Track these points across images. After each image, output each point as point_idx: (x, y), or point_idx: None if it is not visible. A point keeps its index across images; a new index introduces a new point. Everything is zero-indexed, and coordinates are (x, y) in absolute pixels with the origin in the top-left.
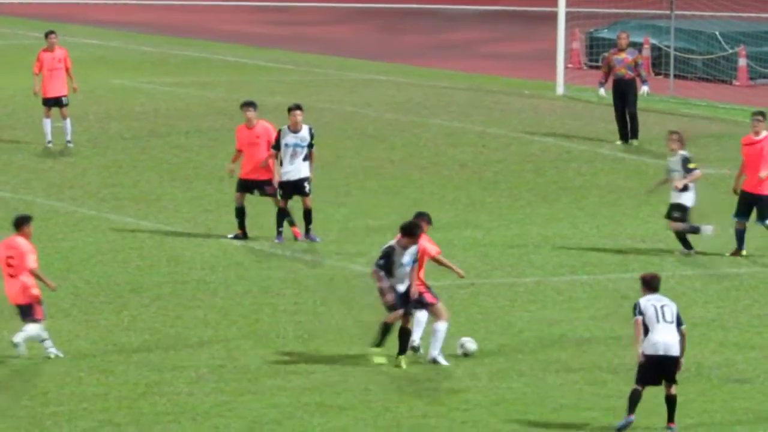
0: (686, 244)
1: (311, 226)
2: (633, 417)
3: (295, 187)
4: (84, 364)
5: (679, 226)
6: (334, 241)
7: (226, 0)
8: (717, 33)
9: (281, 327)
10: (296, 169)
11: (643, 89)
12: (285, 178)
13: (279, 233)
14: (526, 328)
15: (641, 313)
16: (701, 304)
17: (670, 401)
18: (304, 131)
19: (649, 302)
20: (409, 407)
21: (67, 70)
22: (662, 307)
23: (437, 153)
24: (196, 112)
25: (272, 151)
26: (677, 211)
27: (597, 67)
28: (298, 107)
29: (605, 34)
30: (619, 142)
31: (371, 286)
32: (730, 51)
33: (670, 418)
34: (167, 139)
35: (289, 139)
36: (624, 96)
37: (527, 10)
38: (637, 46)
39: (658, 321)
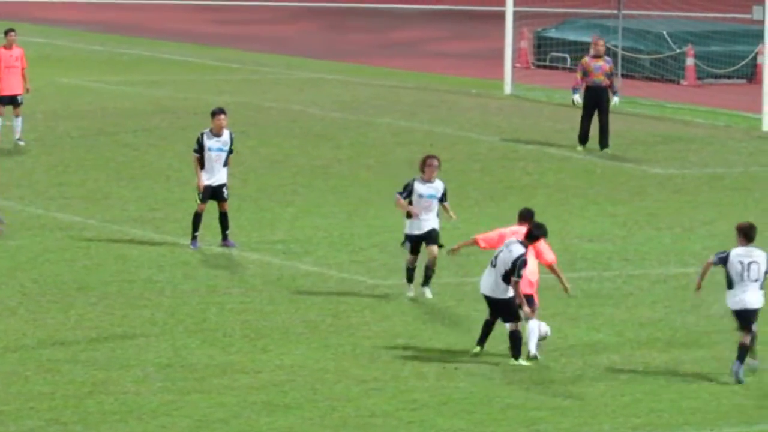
0: None
1: (228, 232)
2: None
3: (214, 193)
4: (31, 362)
5: None
6: (281, 241)
7: None
8: (665, 33)
9: (228, 326)
10: (217, 174)
11: (615, 100)
12: (207, 182)
13: (195, 238)
14: (474, 327)
15: (724, 262)
16: (648, 304)
17: (742, 348)
18: (226, 136)
19: (737, 257)
20: (356, 407)
21: (22, 69)
22: (750, 264)
23: (384, 152)
24: (144, 111)
25: (194, 155)
26: None
27: (545, 67)
28: (222, 111)
29: (553, 33)
30: (581, 148)
31: (318, 285)
32: (678, 50)
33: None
34: (115, 138)
35: (212, 143)
36: (598, 103)
37: (475, 9)
38: (584, 45)
39: (742, 279)
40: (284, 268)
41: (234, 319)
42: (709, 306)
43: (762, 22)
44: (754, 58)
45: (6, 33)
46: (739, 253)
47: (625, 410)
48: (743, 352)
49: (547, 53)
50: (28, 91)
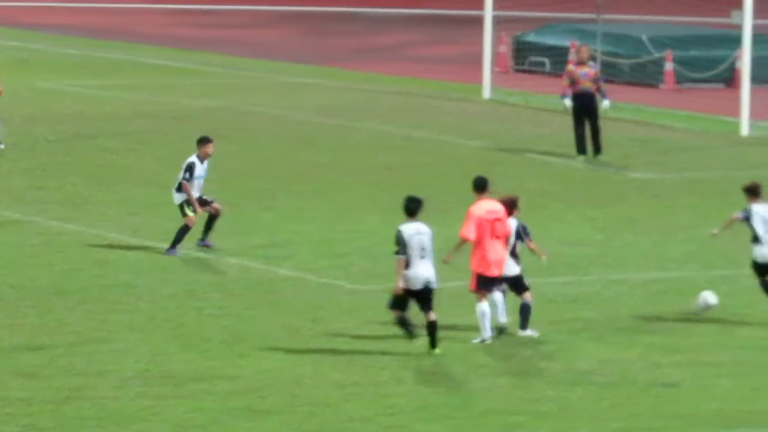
0: None
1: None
2: None
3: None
4: (8, 368)
5: None
6: (261, 245)
7: (151, 2)
8: (644, 37)
9: (207, 331)
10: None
11: (605, 104)
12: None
13: (175, 247)
14: (451, 333)
15: (747, 216)
16: (628, 309)
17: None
18: (206, 163)
19: (758, 214)
20: (335, 412)
21: None
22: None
23: (365, 157)
24: (122, 115)
25: (185, 183)
26: None
27: (524, 71)
28: (211, 140)
29: (532, 38)
30: (581, 158)
31: (298, 290)
32: (657, 55)
33: None
34: (93, 142)
35: (199, 171)
36: (588, 110)
37: (454, 14)
38: (563, 50)
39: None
40: (264, 272)
41: (213, 324)
42: (689, 309)
43: (740, 26)
44: (733, 63)
45: None
46: (758, 211)
47: (604, 415)
48: None
49: (526, 58)
50: (0, 93)
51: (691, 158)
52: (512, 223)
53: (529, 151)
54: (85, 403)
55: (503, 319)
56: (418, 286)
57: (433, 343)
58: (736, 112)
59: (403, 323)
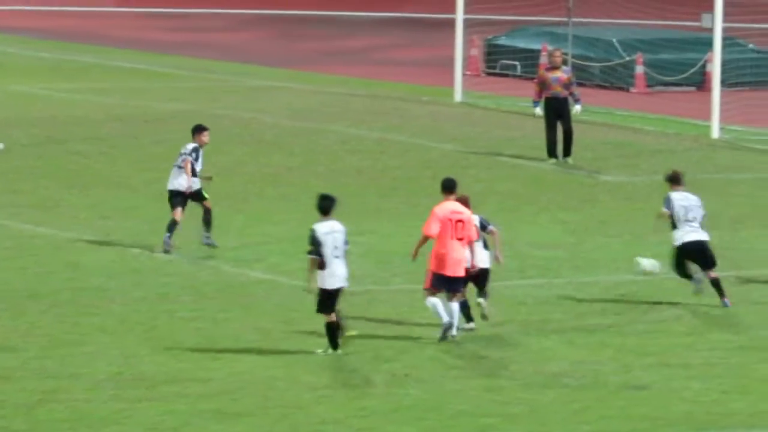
0: None
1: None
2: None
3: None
4: None
5: None
6: (232, 248)
7: (121, 6)
8: (614, 40)
9: (179, 334)
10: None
11: (576, 108)
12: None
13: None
14: (424, 335)
15: (669, 205)
16: (599, 311)
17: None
18: (201, 153)
19: (676, 201)
20: (307, 414)
21: None
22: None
23: (335, 160)
24: (94, 119)
25: (192, 160)
26: None
27: (495, 74)
28: (207, 128)
29: (503, 41)
30: (551, 161)
31: (270, 293)
32: (628, 58)
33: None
34: (65, 146)
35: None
36: (560, 113)
37: (425, 17)
38: (535, 53)
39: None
40: (235, 275)
41: (185, 327)
42: (659, 312)
43: (711, 29)
44: (704, 66)
45: None
46: (676, 198)
47: (575, 417)
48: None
49: (497, 61)
50: None
51: (661, 161)
52: (474, 217)
53: (501, 154)
54: (58, 405)
55: (454, 319)
56: (336, 285)
57: (334, 345)
58: (707, 115)
59: (335, 329)
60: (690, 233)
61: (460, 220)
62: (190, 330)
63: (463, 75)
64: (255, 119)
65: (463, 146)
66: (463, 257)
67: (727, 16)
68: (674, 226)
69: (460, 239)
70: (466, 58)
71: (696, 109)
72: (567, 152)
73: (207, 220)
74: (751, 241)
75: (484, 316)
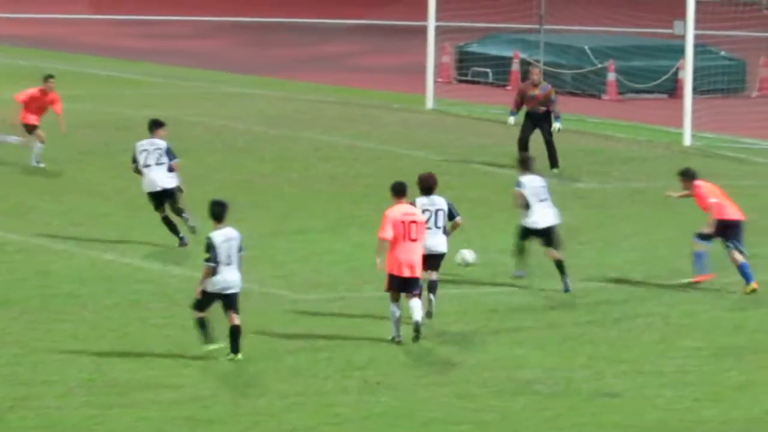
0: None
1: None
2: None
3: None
4: None
5: None
6: (203, 255)
7: (94, 13)
8: (586, 47)
9: (150, 341)
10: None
11: (555, 126)
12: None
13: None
14: (394, 341)
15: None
16: (571, 318)
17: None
18: None
19: (527, 185)
20: (279, 421)
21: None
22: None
23: (307, 166)
24: (65, 126)
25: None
26: None
27: (467, 82)
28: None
29: (475, 48)
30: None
31: (241, 300)
32: (599, 65)
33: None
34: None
35: None
36: (538, 125)
37: (397, 24)
38: (507, 60)
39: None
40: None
41: (157, 334)
42: (631, 319)
43: (683, 37)
44: (675, 73)
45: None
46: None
47: (547, 424)
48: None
49: (468, 68)
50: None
51: (633, 168)
52: (441, 201)
53: (472, 162)
54: (30, 412)
55: (418, 317)
56: (222, 289)
57: (234, 348)
58: (678, 122)
59: (202, 325)
60: (539, 214)
61: (413, 221)
62: (161, 337)
63: (435, 82)
64: (227, 126)
65: (434, 153)
66: (418, 258)
67: (699, 23)
68: (527, 207)
69: (414, 240)
70: (438, 65)
71: (668, 117)
72: (553, 163)
73: (179, 210)
74: (723, 248)
75: (429, 313)
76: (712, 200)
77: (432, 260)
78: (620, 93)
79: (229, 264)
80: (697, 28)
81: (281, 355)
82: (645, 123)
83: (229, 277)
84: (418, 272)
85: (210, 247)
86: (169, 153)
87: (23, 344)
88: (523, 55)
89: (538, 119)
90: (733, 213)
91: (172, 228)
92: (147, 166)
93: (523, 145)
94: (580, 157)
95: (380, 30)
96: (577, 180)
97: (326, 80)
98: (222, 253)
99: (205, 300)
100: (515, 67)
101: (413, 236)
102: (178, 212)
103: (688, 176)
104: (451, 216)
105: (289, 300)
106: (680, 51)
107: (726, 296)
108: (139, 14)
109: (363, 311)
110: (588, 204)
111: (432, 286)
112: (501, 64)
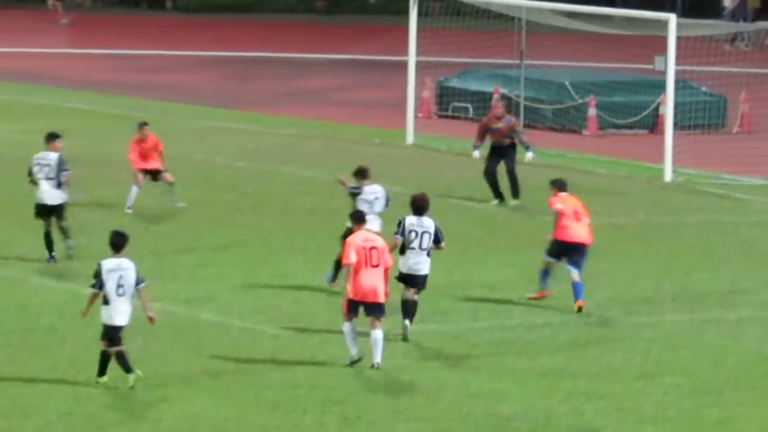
0: None
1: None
2: None
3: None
4: None
5: None
6: (183, 289)
7: (75, 47)
8: (567, 83)
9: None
10: None
11: (528, 156)
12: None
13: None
14: (375, 376)
15: (356, 192)
16: (550, 353)
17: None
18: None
19: (413, 225)
20: None
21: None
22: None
23: (287, 201)
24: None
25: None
26: None
27: (447, 117)
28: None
29: (455, 83)
30: (494, 202)
31: (220, 334)
32: (580, 101)
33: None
34: (15, 186)
35: None
36: (502, 155)
37: (378, 59)
38: (486, 95)
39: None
40: (186, 317)
41: (136, 367)
42: (611, 354)
43: (664, 72)
44: (656, 109)
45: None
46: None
47: None
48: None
49: (449, 103)
50: None
51: (613, 203)
52: (430, 224)
53: (452, 196)
54: None
55: (378, 360)
56: (117, 322)
57: (126, 369)
58: (659, 157)
59: (104, 360)
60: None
61: (373, 248)
62: (140, 370)
63: (415, 117)
64: (206, 160)
65: (414, 188)
66: (380, 283)
67: (679, 58)
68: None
69: (375, 266)
70: (418, 100)
71: (648, 152)
72: (515, 194)
73: (64, 230)
74: (704, 284)
75: (405, 338)
76: (564, 221)
77: (411, 280)
78: (601, 128)
79: (121, 295)
80: (677, 63)
81: (260, 390)
82: (625, 158)
83: (121, 308)
84: (381, 297)
85: (96, 274)
86: (61, 166)
87: (2, 378)
88: (503, 90)
89: (503, 151)
90: (577, 235)
91: (49, 245)
92: (38, 179)
93: (491, 176)
94: None
95: (360, 64)
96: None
97: (306, 114)
98: (110, 283)
99: (108, 333)
100: (495, 101)
101: (374, 262)
102: (64, 232)
103: (556, 185)
104: (436, 240)
105: (269, 335)
106: (661, 86)
107: (706, 332)
108: (120, 48)
109: (342, 346)
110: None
111: (408, 307)
112: (481, 99)
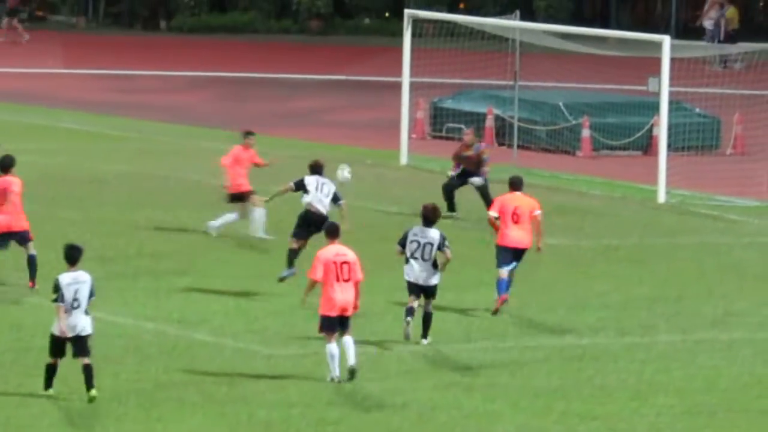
0: None
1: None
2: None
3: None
4: None
5: None
6: (176, 310)
7: (70, 68)
8: (561, 104)
9: (122, 395)
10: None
11: (474, 179)
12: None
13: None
14: (369, 397)
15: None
16: (544, 375)
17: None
18: None
19: (415, 235)
20: None
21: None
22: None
23: (280, 221)
24: (38, 180)
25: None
26: None
27: (441, 137)
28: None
29: (449, 104)
30: (451, 214)
31: (214, 355)
32: (574, 122)
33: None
34: None
35: None
36: (470, 176)
37: (372, 80)
38: (480, 116)
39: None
40: (180, 337)
41: (128, 389)
42: (604, 375)
43: (658, 93)
44: (650, 130)
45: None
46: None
47: None
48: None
49: (443, 124)
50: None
51: (607, 225)
52: (435, 234)
53: (445, 217)
54: None
55: (352, 361)
56: (69, 334)
57: (89, 385)
58: (653, 179)
59: (48, 371)
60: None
61: (345, 262)
62: (133, 392)
63: (409, 138)
64: (201, 181)
65: (408, 209)
66: (351, 298)
67: (673, 80)
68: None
69: (347, 280)
70: (412, 121)
71: (642, 173)
72: (488, 205)
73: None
74: (697, 305)
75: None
76: (502, 226)
77: (416, 289)
78: (595, 149)
79: (76, 308)
80: (671, 85)
81: (254, 410)
82: (619, 180)
83: (73, 321)
84: (350, 311)
85: (56, 288)
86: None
87: None
88: (497, 111)
89: (472, 175)
90: (513, 239)
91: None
92: None
93: (448, 190)
94: (554, 214)
95: (354, 85)
96: (549, 236)
97: (300, 135)
98: (68, 296)
99: (53, 344)
100: (489, 123)
101: (345, 277)
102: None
103: (510, 184)
104: (439, 249)
105: (263, 355)
106: (655, 108)
107: (699, 353)
108: (115, 69)
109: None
110: (560, 260)
111: (423, 322)
112: (475, 120)
